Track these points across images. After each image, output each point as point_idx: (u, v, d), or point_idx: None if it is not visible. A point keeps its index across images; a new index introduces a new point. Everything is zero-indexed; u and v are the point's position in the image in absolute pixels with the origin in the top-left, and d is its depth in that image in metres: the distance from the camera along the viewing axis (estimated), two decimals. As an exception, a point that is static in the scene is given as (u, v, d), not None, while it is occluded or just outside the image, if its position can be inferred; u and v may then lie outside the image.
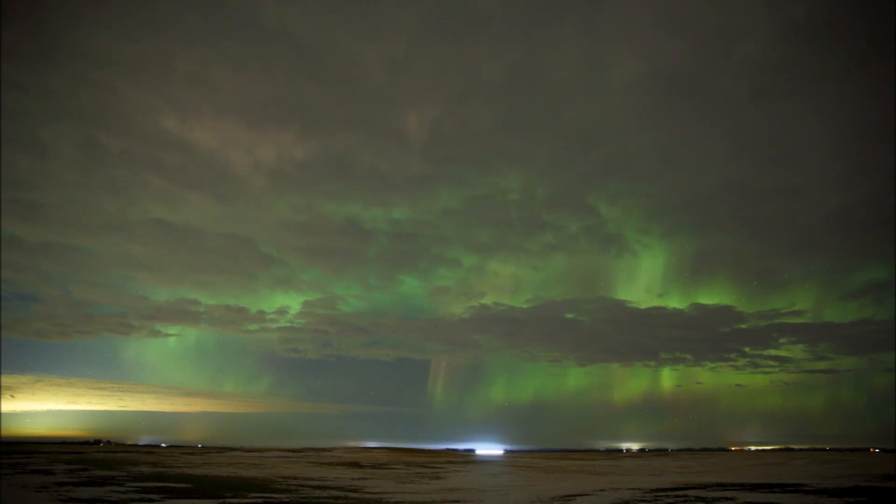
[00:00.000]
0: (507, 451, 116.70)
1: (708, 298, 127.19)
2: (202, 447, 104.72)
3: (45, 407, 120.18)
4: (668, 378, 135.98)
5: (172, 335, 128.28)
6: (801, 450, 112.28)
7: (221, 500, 21.10)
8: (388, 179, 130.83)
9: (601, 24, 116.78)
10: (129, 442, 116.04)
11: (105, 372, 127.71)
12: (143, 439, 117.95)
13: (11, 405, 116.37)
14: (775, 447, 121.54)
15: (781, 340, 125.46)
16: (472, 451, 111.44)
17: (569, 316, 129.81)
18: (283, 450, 75.27)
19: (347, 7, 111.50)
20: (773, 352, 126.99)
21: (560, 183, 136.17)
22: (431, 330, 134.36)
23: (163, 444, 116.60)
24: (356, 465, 48.56)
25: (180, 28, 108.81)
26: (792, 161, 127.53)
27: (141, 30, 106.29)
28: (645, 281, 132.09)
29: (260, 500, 21.48)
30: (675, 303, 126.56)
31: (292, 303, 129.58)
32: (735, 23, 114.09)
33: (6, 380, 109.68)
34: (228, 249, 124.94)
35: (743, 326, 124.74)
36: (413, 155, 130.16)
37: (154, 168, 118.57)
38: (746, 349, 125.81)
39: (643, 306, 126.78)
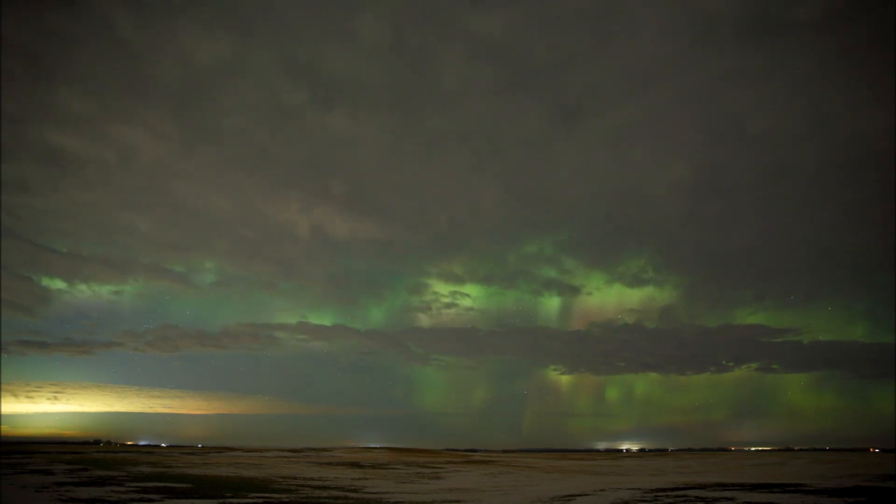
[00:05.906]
0: (505, 451, 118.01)
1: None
2: (202, 447, 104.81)
3: (46, 408, 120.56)
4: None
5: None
6: (801, 450, 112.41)
7: (221, 500, 21.08)
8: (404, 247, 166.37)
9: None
10: (129, 442, 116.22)
11: (134, 378, 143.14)
12: (143, 439, 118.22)
13: (12, 405, 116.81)
14: (775, 447, 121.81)
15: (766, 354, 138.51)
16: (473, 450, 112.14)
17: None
18: (283, 450, 75.32)
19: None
20: (755, 364, 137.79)
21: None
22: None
23: (163, 444, 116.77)
24: (356, 465, 48.57)
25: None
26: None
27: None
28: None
29: (260, 500, 21.47)
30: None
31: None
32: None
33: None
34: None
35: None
36: (432, 230, 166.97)
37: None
38: (730, 363, 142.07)
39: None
